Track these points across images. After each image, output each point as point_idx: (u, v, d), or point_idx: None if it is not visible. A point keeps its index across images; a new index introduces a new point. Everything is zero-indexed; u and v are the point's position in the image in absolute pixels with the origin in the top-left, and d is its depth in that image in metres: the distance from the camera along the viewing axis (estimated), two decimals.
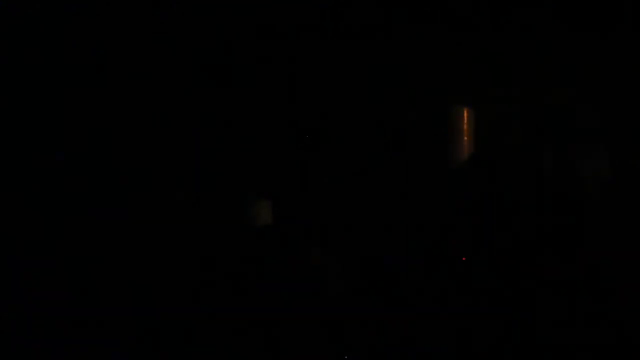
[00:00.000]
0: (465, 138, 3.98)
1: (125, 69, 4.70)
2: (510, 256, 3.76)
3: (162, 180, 4.65)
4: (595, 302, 3.64)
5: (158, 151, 4.66)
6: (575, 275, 3.67)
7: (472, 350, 3.73)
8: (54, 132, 4.67)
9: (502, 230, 3.80)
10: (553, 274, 3.69)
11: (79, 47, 4.69)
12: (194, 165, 4.66)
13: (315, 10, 4.65)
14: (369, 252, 4.21)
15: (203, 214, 4.56)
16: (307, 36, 4.65)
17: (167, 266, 4.46)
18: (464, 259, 3.84)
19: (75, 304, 4.45)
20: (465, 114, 4.01)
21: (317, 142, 4.62)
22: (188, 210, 4.59)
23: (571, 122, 4.07)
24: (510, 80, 4.45)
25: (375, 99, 4.58)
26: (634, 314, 3.58)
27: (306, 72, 4.66)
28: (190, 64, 4.71)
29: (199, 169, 4.66)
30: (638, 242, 3.73)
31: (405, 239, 4.10)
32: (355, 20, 4.62)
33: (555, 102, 4.29)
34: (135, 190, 4.62)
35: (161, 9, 4.70)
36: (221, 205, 4.56)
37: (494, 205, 3.86)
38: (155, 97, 4.69)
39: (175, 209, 4.60)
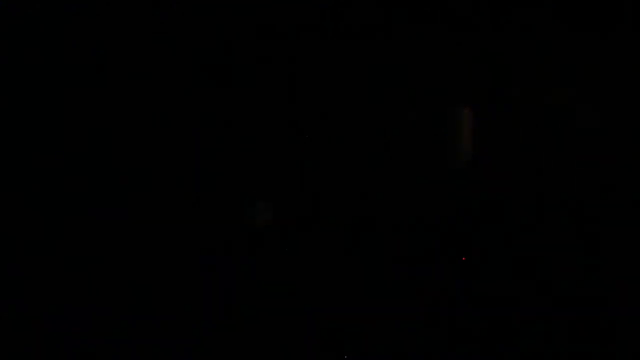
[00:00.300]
0: (465, 138, 3.98)
1: (125, 69, 4.70)
2: (510, 256, 3.76)
3: (162, 180, 4.65)
4: (594, 302, 3.64)
5: (158, 151, 4.66)
6: (574, 276, 3.67)
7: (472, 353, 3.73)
8: (54, 132, 4.67)
9: (501, 230, 3.80)
10: (552, 274, 3.69)
11: (79, 47, 4.69)
12: (194, 165, 4.66)
13: (315, 10, 4.65)
14: (369, 251, 4.21)
15: (203, 214, 4.56)
16: (307, 36, 4.65)
17: (167, 266, 4.46)
18: (464, 259, 3.84)
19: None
20: (465, 114, 4.01)
21: (317, 142, 4.62)
22: (188, 210, 4.59)
23: (571, 122, 4.07)
24: (510, 80, 4.45)
25: (375, 99, 4.58)
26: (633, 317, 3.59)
27: (306, 72, 4.66)
28: (190, 64, 4.71)
29: (199, 169, 4.66)
30: (638, 243, 3.73)
31: (406, 238, 4.10)
32: (355, 20, 4.62)
33: (555, 102, 4.30)
34: (135, 190, 4.62)
35: (161, 9, 4.70)
36: (221, 205, 4.56)
37: (494, 205, 3.86)
38: (155, 97, 4.69)
39: (175, 209, 4.60)
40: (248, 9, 4.69)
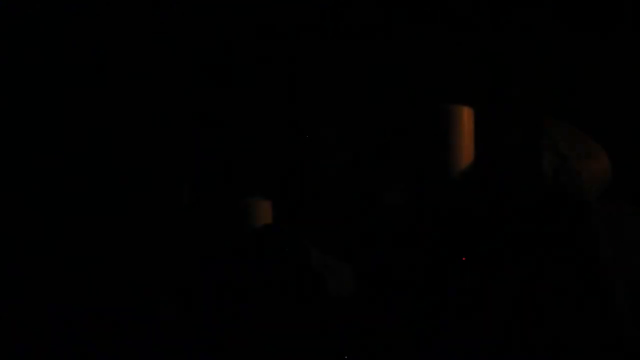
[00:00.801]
0: (465, 138, 3.97)
1: (125, 69, 4.70)
2: (509, 258, 3.76)
3: (162, 180, 4.65)
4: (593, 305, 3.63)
5: (158, 151, 4.66)
6: (573, 278, 3.66)
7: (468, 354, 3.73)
8: (54, 132, 4.67)
9: (501, 231, 3.80)
10: (552, 277, 3.69)
11: (79, 47, 4.69)
12: (194, 165, 4.66)
13: (315, 10, 4.65)
14: (369, 252, 4.21)
15: (203, 214, 4.56)
16: (307, 36, 4.65)
17: (166, 266, 4.46)
18: (463, 259, 3.83)
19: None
20: (465, 114, 4.00)
21: (317, 142, 4.62)
22: (188, 210, 4.59)
23: (571, 122, 4.07)
24: (510, 80, 4.45)
25: (375, 99, 4.58)
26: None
27: (306, 72, 4.66)
28: (190, 64, 4.71)
29: (199, 169, 4.66)
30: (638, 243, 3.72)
31: (406, 238, 4.10)
32: (355, 20, 4.62)
33: (555, 102, 4.29)
34: (135, 190, 4.62)
35: (161, 9, 4.70)
36: (221, 205, 4.56)
37: (494, 205, 3.85)
38: (155, 97, 4.69)
39: (175, 209, 4.60)
40: (248, 9, 4.69)
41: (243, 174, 4.64)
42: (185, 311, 4.26)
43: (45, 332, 4.42)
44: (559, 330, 3.58)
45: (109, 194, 4.62)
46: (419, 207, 4.06)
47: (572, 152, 3.77)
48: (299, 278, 3.99)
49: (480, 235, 3.83)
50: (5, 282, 4.50)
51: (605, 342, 3.49)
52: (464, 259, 3.83)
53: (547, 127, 3.77)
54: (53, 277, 4.51)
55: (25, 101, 4.69)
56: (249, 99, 4.70)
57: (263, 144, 4.66)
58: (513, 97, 4.42)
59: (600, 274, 3.60)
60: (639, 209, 3.66)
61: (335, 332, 3.94)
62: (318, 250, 4.05)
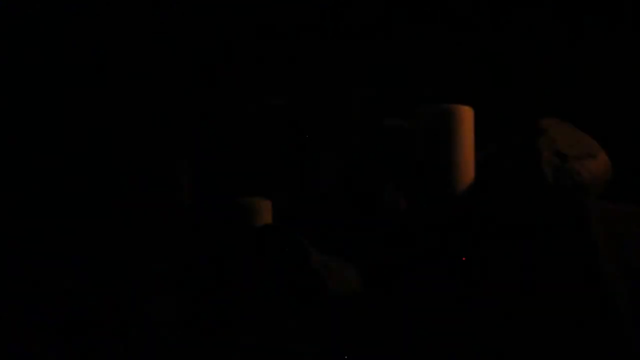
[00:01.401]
0: (465, 138, 3.98)
1: (125, 69, 4.70)
2: (509, 258, 3.76)
3: (161, 180, 4.65)
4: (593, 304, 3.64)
5: (158, 151, 4.67)
6: (573, 278, 3.67)
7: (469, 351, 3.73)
8: (54, 132, 4.68)
9: (502, 230, 3.80)
10: (552, 276, 3.69)
11: (79, 47, 4.69)
12: (193, 165, 4.67)
13: (315, 10, 4.65)
14: (370, 252, 4.21)
15: (202, 213, 4.56)
16: (307, 36, 4.65)
17: (166, 266, 4.47)
18: (464, 259, 3.84)
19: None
20: (466, 114, 4.01)
21: (317, 142, 4.62)
22: (186, 210, 4.59)
23: (571, 122, 4.07)
24: (510, 80, 4.46)
25: (375, 99, 4.58)
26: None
27: (306, 72, 4.66)
28: (190, 64, 4.72)
29: (199, 169, 4.66)
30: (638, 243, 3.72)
31: (406, 238, 4.10)
32: (355, 20, 4.62)
33: (555, 102, 4.30)
34: (135, 190, 4.63)
35: (161, 9, 4.71)
36: (221, 205, 4.57)
37: (494, 205, 3.86)
38: (156, 97, 4.69)
39: (174, 209, 4.60)
40: (248, 9, 4.69)
41: (243, 174, 4.64)
42: (184, 310, 4.26)
43: (45, 332, 4.42)
44: (559, 330, 3.58)
45: (108, 194, 4.62)
46: (419, 207, 4.06)
47: (572, 152, 3.77)
48: (299, 278, 3.99)
49: (480, 235, 3.83)
50: (5, 282, 4.50)
51: (605, 342, 3.49)
52: (464, 259, 3.83)
53: (547, 127, 3.78)
54: (53, 277, 4.52)
55: (25, 101, 4.69)
56: (249, 99, 4.70)
57: (263, 143, 4.67)
58: (513, 97, 4.42)
59: (600, 274, 3.60)
60: (639, 209, 3.66)
61: (335, 332, 3.94)
62: (318, 250, 4.05)
